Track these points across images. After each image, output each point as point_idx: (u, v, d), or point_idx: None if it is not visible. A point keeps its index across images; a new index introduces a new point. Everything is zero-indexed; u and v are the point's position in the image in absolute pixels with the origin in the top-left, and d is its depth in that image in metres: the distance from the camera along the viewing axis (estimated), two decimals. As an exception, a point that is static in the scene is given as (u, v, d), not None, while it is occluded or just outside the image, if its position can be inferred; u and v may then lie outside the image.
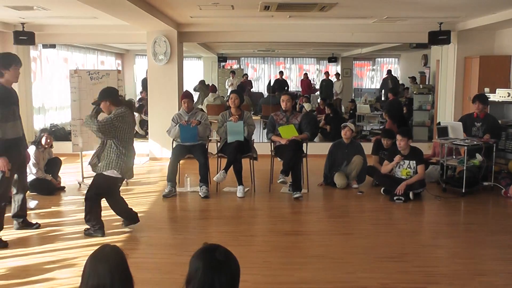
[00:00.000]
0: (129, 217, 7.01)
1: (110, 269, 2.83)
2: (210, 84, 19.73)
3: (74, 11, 10.13)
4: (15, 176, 6.58)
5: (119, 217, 7.04)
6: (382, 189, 9.13)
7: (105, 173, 6.57)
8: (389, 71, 22.57)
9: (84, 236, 6.71)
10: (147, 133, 13.75)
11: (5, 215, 6.55)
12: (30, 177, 8.69)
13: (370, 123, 17.27)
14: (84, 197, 6.75)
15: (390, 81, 21.10)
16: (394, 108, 14.18)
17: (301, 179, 8.89)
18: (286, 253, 6.26)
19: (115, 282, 2.82)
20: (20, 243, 6.47)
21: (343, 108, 21.27)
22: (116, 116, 6.50)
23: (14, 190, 6.80)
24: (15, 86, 6.63)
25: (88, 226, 6.74)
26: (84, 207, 6.72)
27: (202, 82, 21.09)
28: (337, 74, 23.74)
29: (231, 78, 22.78)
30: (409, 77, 20.47)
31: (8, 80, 6.22)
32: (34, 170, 8.82)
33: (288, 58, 27.99)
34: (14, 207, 6.87)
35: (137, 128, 15.20)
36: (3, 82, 6.19)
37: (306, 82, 23.91)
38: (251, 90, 24.13)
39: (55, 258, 5.94)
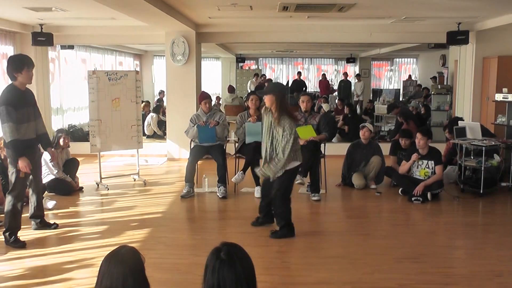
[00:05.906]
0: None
1: (124, 270, 2.77)
2: (228, 85, 19.67)
3: (92, 12, 10.19)
4: (30, 177, 6.60)
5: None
6: (400, 189, 9.10)
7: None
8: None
9: (101, 236, 6.75)
10: (165, 134, 13.79)
11: (23, 215, 6.60)
12: (49, 178, 8.77)
13: (388, 124, 17.18)
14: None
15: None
16: (407, 112, 14.05)
17: (319, 180, 8.84)
18: (304, 254, 6.25)
19: (128, 284, 2.76)
20: (38, 243, 6.51)
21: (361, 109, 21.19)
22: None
23: (30, 191, 6.85)
24: (33, 87, 6.65)
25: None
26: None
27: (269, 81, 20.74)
28: (357, 75, 23.36)
29: (254, 80, 22.39)
30: (430, 78, 20.39)
31: (22, 82, 6.24)
32: (55, 171, 8.87)
33: (306, 59, 27.91)
34: (31, 208, 6.91)
35: (155, 128, 15.27)
36: (17, 85, 6.22)
37: (324, 82, 23.81)
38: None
39: (73, 258, 5.97)
